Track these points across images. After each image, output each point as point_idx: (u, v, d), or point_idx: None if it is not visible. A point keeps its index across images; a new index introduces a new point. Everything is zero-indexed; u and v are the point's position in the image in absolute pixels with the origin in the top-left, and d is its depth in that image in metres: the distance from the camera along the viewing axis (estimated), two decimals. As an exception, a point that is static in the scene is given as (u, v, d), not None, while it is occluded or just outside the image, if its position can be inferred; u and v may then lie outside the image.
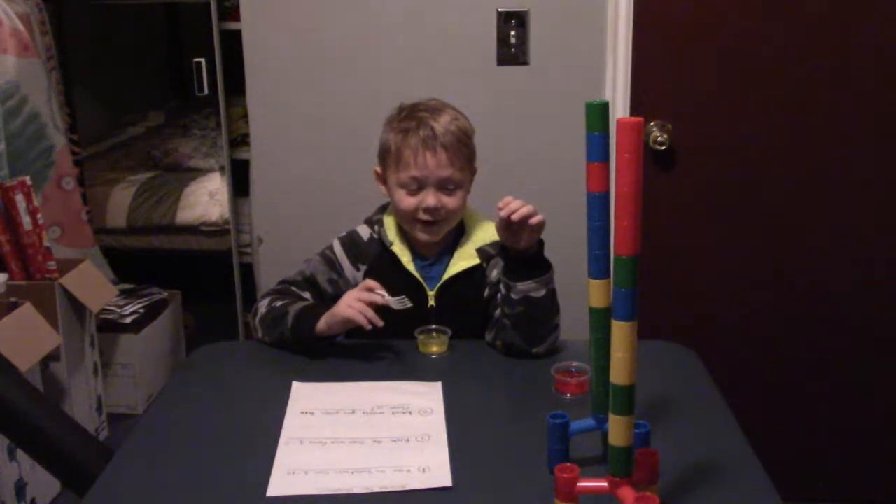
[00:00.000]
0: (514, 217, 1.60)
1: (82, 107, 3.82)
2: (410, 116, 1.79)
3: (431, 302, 1.81)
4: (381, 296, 1.66)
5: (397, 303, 1.67)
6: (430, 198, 1.75)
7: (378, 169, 1.86)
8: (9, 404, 1.80)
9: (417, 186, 1.76)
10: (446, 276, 1.82)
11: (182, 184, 3.64)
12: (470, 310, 1.81)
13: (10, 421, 1.83)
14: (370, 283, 1.69)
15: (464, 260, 1.83)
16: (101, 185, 3.65)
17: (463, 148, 1.77)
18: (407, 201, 1.77)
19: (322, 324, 1.69)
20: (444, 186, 1.76)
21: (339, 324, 1.67)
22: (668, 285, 2.53)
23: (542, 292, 1.68)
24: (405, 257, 1.82)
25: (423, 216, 1.77)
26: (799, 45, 2.36)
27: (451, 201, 1.77)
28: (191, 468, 1.36)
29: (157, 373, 3.22)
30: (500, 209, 1.61)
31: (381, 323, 1.63)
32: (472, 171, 1.84)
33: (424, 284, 1.82)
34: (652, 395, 1.49)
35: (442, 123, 1.76)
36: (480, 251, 1.83)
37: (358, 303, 1.65)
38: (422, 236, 1.80)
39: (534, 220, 1.61)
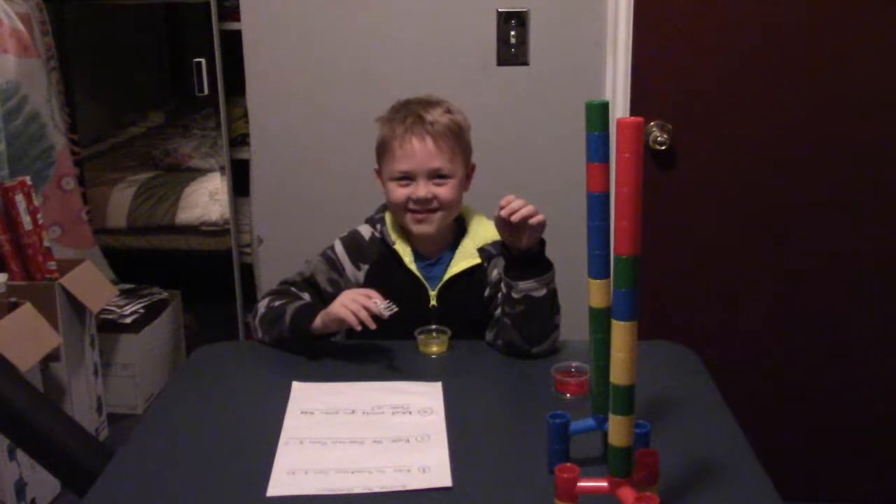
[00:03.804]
0: (515, 217, 1.60)
1: (82, 107, 3.83)
2: (400, 108, 1.80)
3: (433, 302, 1.81)
4: (375, 303, 1.64)
5: (386, 309, 1.63)
6: (420, 189, 1.75)
7: (376, 166, 1.86)
8: (9, 404, 1.80)
9: (408, 178, 1.76)
10: (447, 275, 1.82)
11: (182, 184, 3.64)
12: (471, 309, 1.81)
13: (10, 421, 1.83)
14: (370, 291, 1.67)
15: (465, 259, 1.82)
16: (101, 185, 3.65)
17: (452, 137, 1.77)
18: (398, 192, 1.77)
19: (318, 322, 1.69)
20: (434, 176, 1.76)
21: (333, 322, 1.67)
22: (669, 285, 2.53)
23: (543, 292, 1.67)
24: (407, 257, 1.82)
25: (415, 207, 1.77)
26: (799, 45, 2.36)
27: (442, 192, 1.77)
28: (191, 468, 1.36)
29: (157, 373, 3.22)
30: (501, 208, 1.61)
31: (373, 326, 1.62)
32: (468, 165, 1.84)
33: (426, 284, 1.82)
34: (652, 395, 1.49)
35: (432, 114, 1.76)
36: (481, 250, 1.83)
37: (353, 303, 1.64)
38: (416, 228, 1.80)
39: (534, 220, 1.61)
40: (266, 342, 1.78)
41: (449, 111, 1.80)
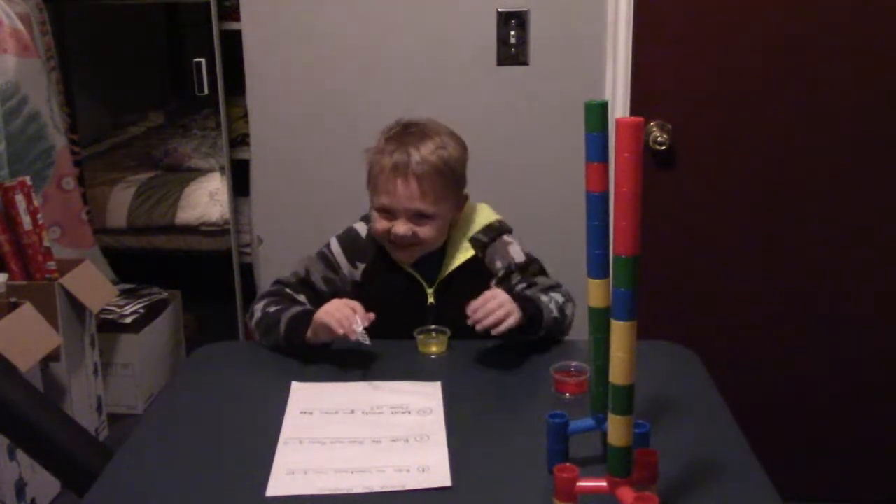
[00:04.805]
0: (478, 328, 1.60)
1: (82, 107, 3.83)
2: (395, 137, 1.75)
3: (430, 300, 1.81)
4: (357, 321, 1.59)
5: (362, 336, 1.59)
6: (399, 227, 1.73)
7: None
8: (9, 404, 1.81)
9: (389, 213, 1.75)
10: (444, 272, 1.81)
11: (182, 184, 3.64)
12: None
13: (10, 421, 1.83)
14: (355, 304, 1.64)
15: (460, 253, 1.81)
16: (101, 185, 3.65)
17: (439, 178, 1.72)
18: (380, 223, 1.76)
19: (310, 332, 1.67)
20: (415, 216, 1.74)
21: (322, 330, 1.64)
22: (668, 285, 2.53)
23: (541, 334, 1.70)
24: None
25: (394, 239, 1.76)
26: (799, 46, 2.36)
27: (423, 230, 1.74)
28: (191, 468, 1.36)
29: (157, 373, 3.22)
30: (469, 315, 1.61)
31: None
32: (458, 198, 1.80)
33: (423, 282, 1.81)
34: (652, 395, 1.49)
35: (422, 151, 1.70)
36: (473, 240, 1.82)
37: (338, 312, 1.61)
38: (396, 256, 1.80)
39: (497, 332, 1.60)
40: (263, 345, 1.78)
41: (442, 146, 1.73)
